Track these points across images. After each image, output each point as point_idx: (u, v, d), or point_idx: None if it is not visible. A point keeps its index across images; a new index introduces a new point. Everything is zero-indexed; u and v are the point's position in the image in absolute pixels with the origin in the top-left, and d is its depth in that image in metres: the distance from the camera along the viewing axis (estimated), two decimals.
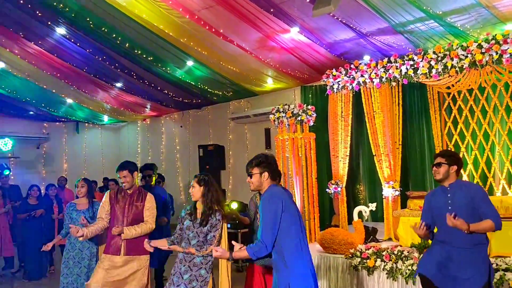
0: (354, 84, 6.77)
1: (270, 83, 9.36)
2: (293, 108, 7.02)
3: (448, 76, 5.83)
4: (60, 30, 7.01)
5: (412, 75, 6.11)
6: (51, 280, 7.27)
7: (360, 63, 6.74)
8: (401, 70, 6.21)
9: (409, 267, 4.93)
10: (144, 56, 7.77)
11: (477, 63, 5.53)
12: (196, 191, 3.81)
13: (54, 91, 9.59)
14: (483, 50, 5.48)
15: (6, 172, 8.20)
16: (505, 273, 4.40)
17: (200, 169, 10.85)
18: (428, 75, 5.97)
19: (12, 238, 7.61)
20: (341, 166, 7.02)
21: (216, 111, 11.48)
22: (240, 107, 10.84)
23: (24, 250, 7.26)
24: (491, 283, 3.50)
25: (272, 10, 6.16)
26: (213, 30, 6.80)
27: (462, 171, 7.19)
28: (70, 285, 4.72)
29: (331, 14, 6.07)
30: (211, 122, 11.65)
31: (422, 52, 6.06)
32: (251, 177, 3.31)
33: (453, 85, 6.33)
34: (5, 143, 7.30)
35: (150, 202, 4.29)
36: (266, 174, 3.26)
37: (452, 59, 5.70)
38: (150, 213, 4.26)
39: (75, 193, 5.18)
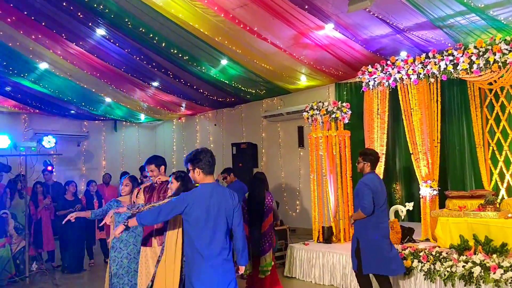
0: (390, 81, 6.64)
1: (303, 81, 9.31)
2: (327, 106, 6.96)
3: (490, 72, 5.62)
4: (100, 31, 7.22)
5: (452, 71, 5.93)
6: (91, 273, 7.52)
7: (397, 59, 6.61)
8: (440, 66, 6.03)
9: (448, 269, 4.79)
10: (180, 55, 7.90)
11: None
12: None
13: (94, 90, 9.90)
14: None
15: (49, 168, 8.56)
16: None
17: (234, 166, 10.94)
18: (468, 71, 5.77)
19: (53, 232, 7.92)
20: None
21: (249, 109, 11.54)
22: (273, 105, 10.85)
23: (64, 245, 7.53)
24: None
25: (306, 6, 6.12)
26: (248, 28, 6.84)
27: (504, 169, 6.93)
28: (127, 285, 4.47)
29: (367, 9, 5.97)
30: (244, 120, 11.72)
31: (463, 47, 5.87)
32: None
33: (495, 81, 6.08)
34: (48, 141, 7.63)
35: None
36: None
37: (494, 53, 5.49)
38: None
39: (118, 189, 5.25)
